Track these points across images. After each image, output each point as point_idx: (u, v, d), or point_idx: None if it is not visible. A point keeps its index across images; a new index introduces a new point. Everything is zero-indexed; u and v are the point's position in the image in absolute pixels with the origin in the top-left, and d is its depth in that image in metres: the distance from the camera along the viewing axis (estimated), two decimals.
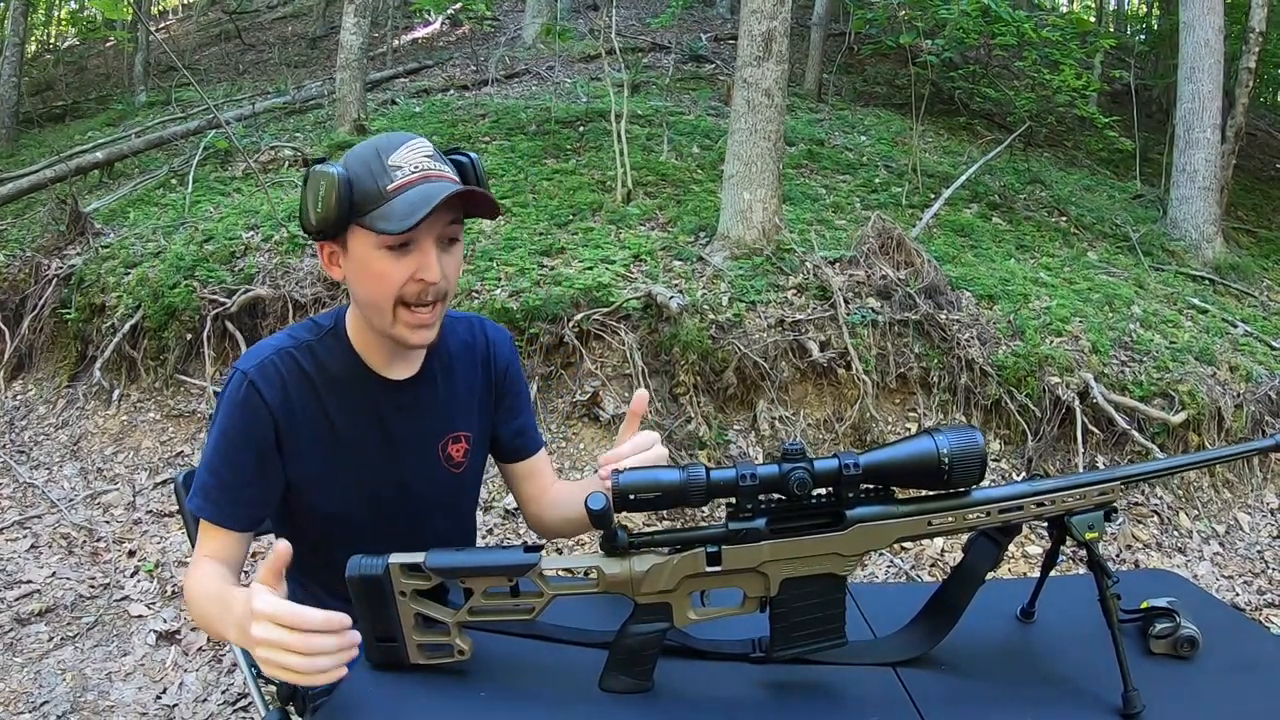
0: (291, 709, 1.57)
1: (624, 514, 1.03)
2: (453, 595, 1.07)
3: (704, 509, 3.40)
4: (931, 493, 1.07)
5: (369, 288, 1.22)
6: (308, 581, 1.44)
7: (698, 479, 1.00)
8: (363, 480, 1.34)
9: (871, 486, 1.05)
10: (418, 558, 1.03)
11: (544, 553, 1.03)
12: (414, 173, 1.17)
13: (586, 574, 1.05)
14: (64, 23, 13.74)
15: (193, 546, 1.73)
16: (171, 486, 3.97)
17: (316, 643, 0.95)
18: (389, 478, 1.36)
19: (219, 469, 1.27)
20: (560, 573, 1.05)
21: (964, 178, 5.93)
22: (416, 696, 1.02)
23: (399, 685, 1.07)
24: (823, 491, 1.04)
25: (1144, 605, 1.21)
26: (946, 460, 1.01)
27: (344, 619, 0.98)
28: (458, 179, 1.22)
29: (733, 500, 1.04)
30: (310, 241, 4.55)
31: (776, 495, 1.04)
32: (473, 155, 1.28)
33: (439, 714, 1.01)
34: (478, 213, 1.25)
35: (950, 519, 1.05)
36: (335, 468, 1.32)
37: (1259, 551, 3.69)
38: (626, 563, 1.03)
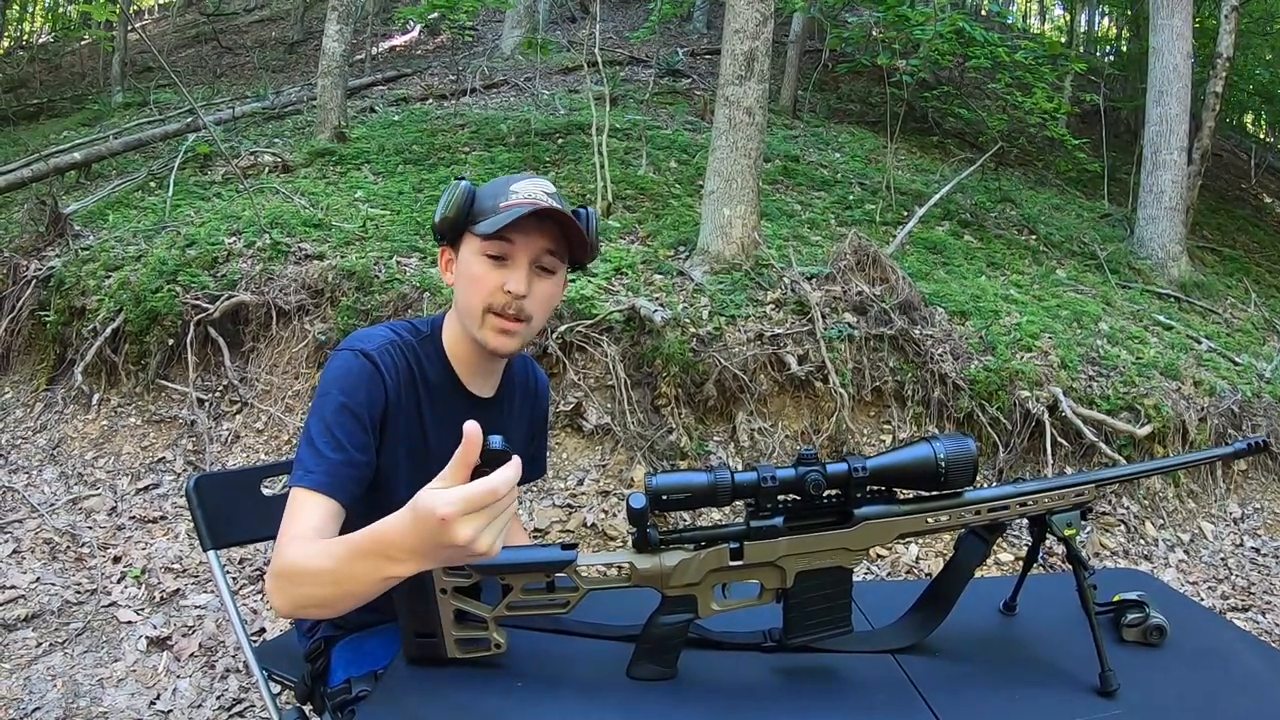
0: (309, 708, 1.61)
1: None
2: (485, 594, 1.13)
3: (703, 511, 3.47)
4: (929, 493, 1.17)
5: (466, 290, 1.33)
6: None
7: (724, 481, 1.09)
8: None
9: (876, 488, 1.15)
10: None
11: (579, 550, 1.10)
12: (526, 198, 1.29)
13: (619, 569, 1.13)
14: (41, 19, 13.54)
15: (206, 549, 1.76)
16: (154, 493, 4.02)
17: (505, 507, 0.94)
18: None
19: (337, 439, 1.25)
20: (594, 569, 1.12)
21: (937, 196, 6.03)
22: (456, 689, 1.07)
23: (439, 679, 1.12)
24: (833, 492, 1.14)
25: (1116, 599, 1.31)
26: (944, 464, 1.11)
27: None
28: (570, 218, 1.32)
29: (753, 500, 1.13)
30: (293, 250, 4.62)
31: (793, 495, 1.13)
32: (593, 211, 1.39)
33: (479, 705, 1.06)
34: (577, 255, 1.36)
35: (946, 517, 1.16)
36: (411, 468, 1.36)
37: (1222, 559, 3.82)
38: (657, 558, 1.12)
